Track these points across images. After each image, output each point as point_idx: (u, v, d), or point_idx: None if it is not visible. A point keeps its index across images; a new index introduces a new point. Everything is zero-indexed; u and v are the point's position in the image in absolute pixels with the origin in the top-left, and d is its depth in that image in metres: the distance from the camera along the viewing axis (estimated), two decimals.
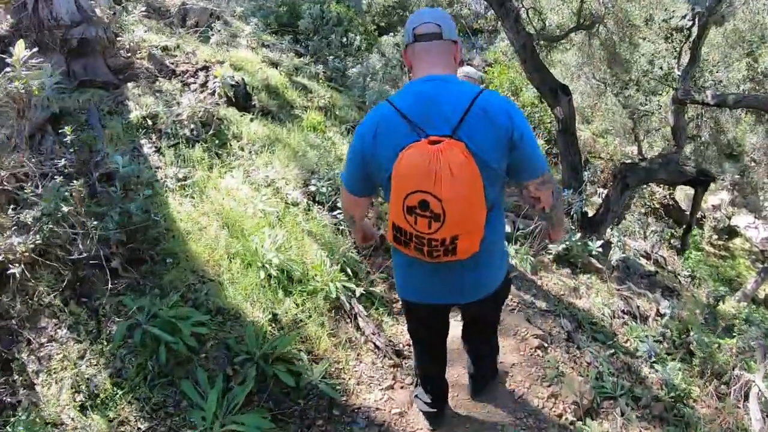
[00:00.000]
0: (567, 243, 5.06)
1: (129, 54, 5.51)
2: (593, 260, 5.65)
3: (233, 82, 5.47)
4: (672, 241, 11.69)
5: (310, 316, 2.90)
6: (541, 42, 8.17)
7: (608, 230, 8.17)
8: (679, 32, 7.53)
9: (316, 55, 8.12)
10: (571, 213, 6.72)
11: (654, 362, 3.95)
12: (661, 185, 12.12)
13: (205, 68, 5.71)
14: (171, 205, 3.38)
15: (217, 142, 4.34)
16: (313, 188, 4.10)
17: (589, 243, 5.18)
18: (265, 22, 9.20)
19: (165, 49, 6.00)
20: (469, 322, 2.26)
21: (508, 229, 4.59)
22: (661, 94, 11.15)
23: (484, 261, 1.70)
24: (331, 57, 7.82)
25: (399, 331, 3.15)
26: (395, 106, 1.52)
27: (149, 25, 6.48)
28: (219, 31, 6.38)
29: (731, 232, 15.13)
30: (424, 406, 2.36)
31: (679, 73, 7.67)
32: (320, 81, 7.26)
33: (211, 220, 3.31)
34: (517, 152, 1.51)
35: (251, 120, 5.02)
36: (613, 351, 3.83)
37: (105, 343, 2.51)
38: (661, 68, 9.61)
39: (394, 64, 10.62)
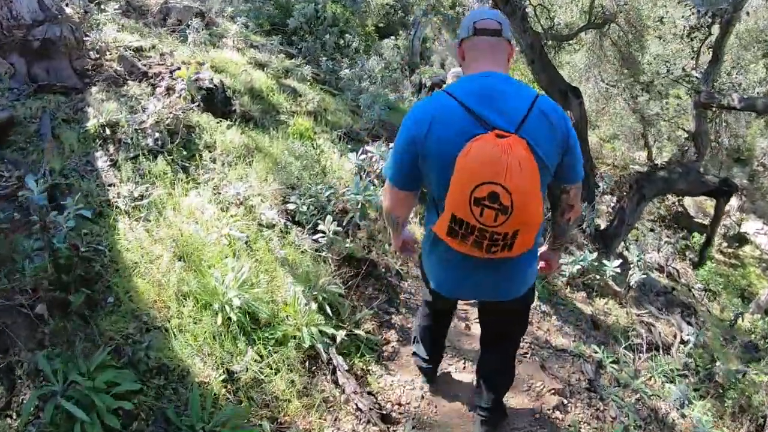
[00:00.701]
0: (581, 263, 4.52)
1: (98, 55, 5.01)
2: (610, 282, 5.11)
3: (211, 85, 4.96)
4: (686, 252, 11.12)
5: (277, 371, 2.37)
6: (549, 42, 7.63)
7: (622, 244, 7.62)
8: (697, 30, 6.98)
9: (308, 57, 7.61)
10: (584, 226, 6.18)
11: (683, 406, 3.44)
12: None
13: (179, 70, 5.21)
14: (120, 231, 2.86)
15: (184, 153, 3.82)
16: (292, 206, 3.58)
17: (606, 263, 4.64)
18: (256, 22, 8.72)
19: (139, 50, 5.49)
20: (492, 330, 2.14)
21: None
22: (679, 97, 10.60)
23: (524, 260, 1.71)
24: (325, 58, 7.31)
25: (388, 385, 2.61)
26: (455, 97, 1.50)
27: (126, 25, 5.98)
28: (196, 29, 5.85)
29: (741, 240, 14.55)
30: (421, 362, 2.47)
31: (698, 75, 7.13)
32: (311, 84, 6.75)
33: (165, 249, 2.78)
34: (568, 156, 1.58)
35: (228, 127, 4.50)
36: (638, 396, 3.31)
37: (14, 416, 1.99)
38: (670, 71, 9.06)
39: (395, 68, 10.12)
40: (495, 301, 1.83)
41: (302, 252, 3.24)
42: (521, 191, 1.39)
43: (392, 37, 13.40)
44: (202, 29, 6.07)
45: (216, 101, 4.94)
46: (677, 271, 10.03)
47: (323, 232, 3.17)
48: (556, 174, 1.61)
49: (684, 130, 10.01)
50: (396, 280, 3.67)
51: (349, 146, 5.67)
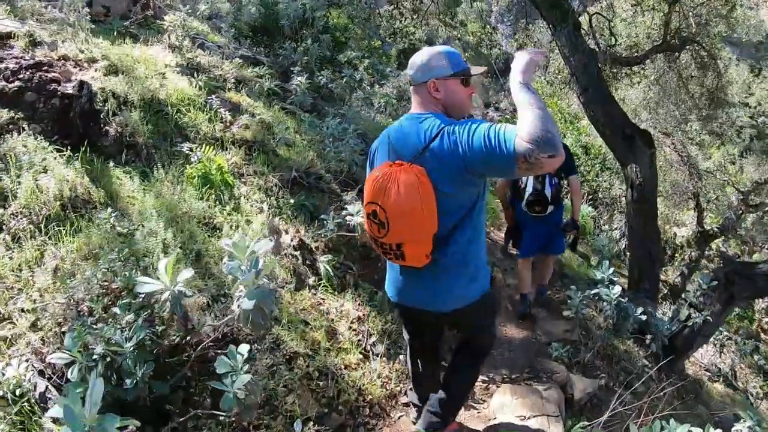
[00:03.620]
0: None
1: None
2: None
3: (73, 91, 3.08)
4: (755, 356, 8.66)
5: None
6: (607, 67, 5.59)
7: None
8: None
9: (277, 67, 5.74)
10: (648, 344, 4.09)
11: None
12: None
13: (39, 66, 3.35)
14: None
15: None
16: (61, 360, 1.57)
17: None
18: (232, 23, 6.96)
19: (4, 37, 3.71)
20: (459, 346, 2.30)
21: None
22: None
23: (447, 273, 1.82)
24: (298, 69, 5.42)
25: None
26: (388, 133, 1.84)
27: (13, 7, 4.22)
28: (77, 11, 4.05)
29: None
30: (415, 400, 2.44)
31: None
32: (267, 100, 4.85)
33: None
34: (480, 165, 1.62)
35: (68, 161, 2.58)
36: None
37: None
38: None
39: (397, 96, 8.24)
40: (432, 312, 1.92)
41: None
42: (394, 211, 1.64)
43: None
44: (85, 15, 4.23)
45: (73, 117, 3.05)
46: (734, 372, 7.68)
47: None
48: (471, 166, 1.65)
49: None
50: None
51: (296, 199, 3.69)
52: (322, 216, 3.54)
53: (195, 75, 4.34)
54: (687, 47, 5.71)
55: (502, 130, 1.50)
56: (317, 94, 6.11)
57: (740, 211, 11.02)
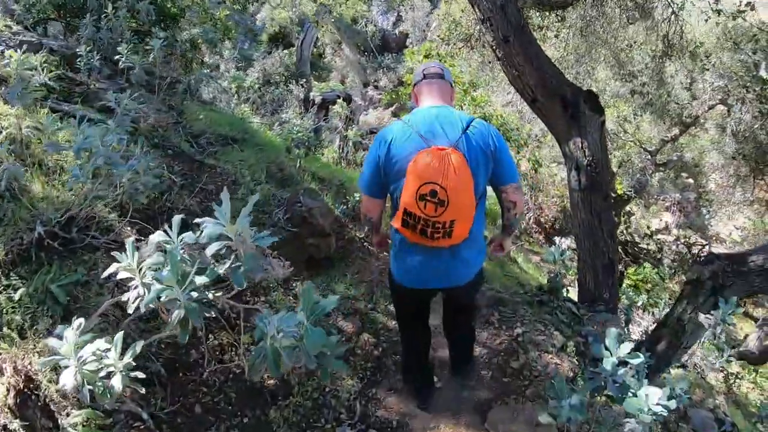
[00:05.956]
0: None
1: None
2: None
3: None
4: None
5: None
6: (531, 12, 4.21)
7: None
8: None
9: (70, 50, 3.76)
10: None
11: None
12: None
13: None
14: None
15: None
16: None
17: None
18: (27, 3, 4.75)
19: None
20: (452, 311, 2.52)
21: None
22: None
23: (466, 250, 2.04)
24: (86, 49, 3.48)
25: None
26: (408, 124, 1.94)
27: None
28: None
29: None
30: (413, 391, 2.65)
31: None
32: (35, 101, 2.89)
33: None
34: (497, 164, 1.97)
35: None
36: None
37: None
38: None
39: (277, 80, 6.48)
40: (450, 287, 2.14)
41: None
42: (454, 189, 1.80)
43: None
44: None
45: None
46: None
47: None
48: (493, 178, 1.99)
49: None
50: None
51: (34, 280, 1.86)
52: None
53: None
54: None
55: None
56: (126, 83, 4.17)
57: (651, 171, 10.68)
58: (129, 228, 2.46)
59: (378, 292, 3.49)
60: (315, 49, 17.60)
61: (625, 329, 4.47)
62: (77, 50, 4.03)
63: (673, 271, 10.38)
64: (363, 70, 19.49)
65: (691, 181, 14.11)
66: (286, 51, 13.70)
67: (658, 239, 11.50)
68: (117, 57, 3.96)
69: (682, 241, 11.15)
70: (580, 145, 3.45)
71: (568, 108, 3.36)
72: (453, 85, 2.12)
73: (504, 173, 1.99)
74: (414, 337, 2.50)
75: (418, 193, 1.81)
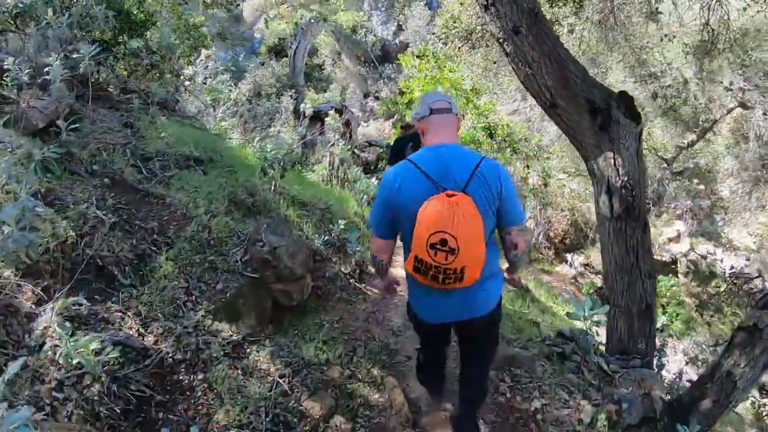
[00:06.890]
0: None
1: None
2: None
3: None
4: None
5: None
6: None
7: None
8: None
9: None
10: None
11: None
12: None
13: None
14: None
15: None
16: None
17: None
18: None
19: None
20: (469, 348, 2.35)
21: None
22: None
23: (482, 285, 1.99)
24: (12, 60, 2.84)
25: None
26: (417, 166, 1.92)
27: None
28: None
29: None
30: (425, 383, 2.63)
31: None
32: None
33: None
34: (503, 205, 1.96)
35: None
36: None
37: None
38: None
39: (269, 92, 5.88)
40: (465, 321, 2.07)
41: None
42: (464, 237, 1.79)
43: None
44: None
45: None
46: None
47: None
48: (498, 218, 1.96)
49: None
50: None
51: None
52: None
53: None
54: None
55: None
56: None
57: (667, 181, 9.96)
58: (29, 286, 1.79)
59: (361, 351, 2.78)
60: (312, 60, 17.10)
61: (662, 382, 3.72)
62: (3, 64, 3.42)
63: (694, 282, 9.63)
64: (363, 80, 18.94)
65: (702, 187, 13.44)
66: (279, 62, 13.15)
67: (670, 250, 10.76)
68: (46, 69, 3.32)
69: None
70: (613, 162, 2.75)
71: (597, 115, 2.67)
72: (459, 115, 2.12)
73: (509, 215, 1.99)
74: (434, 354, 2.49)
75: (428, 242, 1.82)
